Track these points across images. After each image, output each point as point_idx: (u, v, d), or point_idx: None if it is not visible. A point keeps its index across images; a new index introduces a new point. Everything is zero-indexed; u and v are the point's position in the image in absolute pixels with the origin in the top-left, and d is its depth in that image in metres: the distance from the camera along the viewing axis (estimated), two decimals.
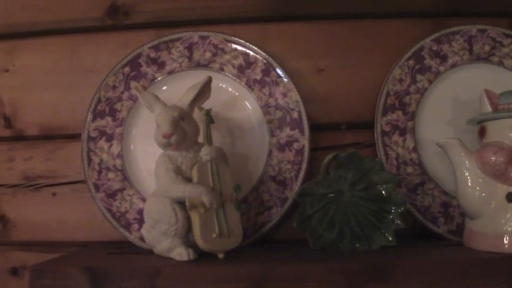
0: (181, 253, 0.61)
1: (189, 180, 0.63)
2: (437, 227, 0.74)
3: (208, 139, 0.67)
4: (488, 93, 0.67)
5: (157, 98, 0.68)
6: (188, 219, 0.62)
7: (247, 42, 0.78)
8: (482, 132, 0.66)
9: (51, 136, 0.83)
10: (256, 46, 0.78)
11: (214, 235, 0.61)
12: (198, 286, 0.56)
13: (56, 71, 0.84)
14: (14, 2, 0.84)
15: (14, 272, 0.82)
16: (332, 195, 0.68)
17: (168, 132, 0.63)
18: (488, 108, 0.66)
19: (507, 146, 0.62)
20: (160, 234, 0.63)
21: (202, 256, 0.62)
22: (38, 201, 0.83)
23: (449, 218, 0.74)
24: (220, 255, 0.62)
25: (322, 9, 0.82)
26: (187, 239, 0.62)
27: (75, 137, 0.81)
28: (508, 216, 0.61)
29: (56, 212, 0.82)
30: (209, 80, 0.68)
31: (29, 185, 0.83)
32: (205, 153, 0.64)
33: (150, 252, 0.67)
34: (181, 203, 0.62)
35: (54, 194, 0.83)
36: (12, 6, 0.84)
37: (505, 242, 0.61)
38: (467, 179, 0.64)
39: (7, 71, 0.85)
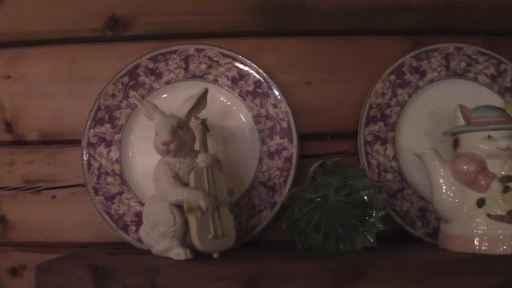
0: (179, 253, 0.65)
1: (186, 185, 0.67)
2: (415, 230, 0.79)
3: (205, 147, 0.71)
4: (462, 107, 0.71)
5: (156, 107, 0.71)
6: (185, 222, 0.66)
7: (241, 55, 0.82)
8: (455, 144, 0.71)
9: (51, 141, 0.86)
10: (249, 59, 0.82)
11: (210, 236, 0.65)
12: (195, 283, 0.60)
13: (57, 79, 0.87)
14: (17, 13, 0.86)
15: (13, 271, 0.85)
16: (319, 199, 0.72)
17: (167, 140, 0.66)
18: (462, 122, 0.70)
19: (478, 156, 0.67)
20: (159, 236, 0.66)
21: (199, 256, 0.65)
22: (37, 204, 0.85)
23: (426, 221, 0.79)
24: (215, 255, 0.65)
25: (312, 26, 0.86)
26: (184, 240, 0.66)
27: (74, 142, 0.84)
28: (478, 220, 0.66)
29: (55, 214, 0.85)
30: (205, 92, 0.72)
31: (29, 188, 0.86)
32: (201, 160, 0.68)
33: (147, 252, 0.70)
34: (179, 206, 0.66)
35: (53, 197, 0.85)
36: (15, 17, 0.87)
37: (475, 243, 0.65)
38: (442, 186, 0.68)
39: (9, 77, 0.87)
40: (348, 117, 0.85)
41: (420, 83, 0.84)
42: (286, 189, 0.79)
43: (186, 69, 0.83)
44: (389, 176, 0.81)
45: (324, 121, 0.85)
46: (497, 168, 0.67)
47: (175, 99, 0.77)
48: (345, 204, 0.72)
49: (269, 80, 0.82)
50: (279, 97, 0.82)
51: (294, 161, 0.80)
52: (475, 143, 0.68)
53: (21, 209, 0.86)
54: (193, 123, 0.73)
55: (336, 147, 0.85)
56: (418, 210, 0.79)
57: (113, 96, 0.82)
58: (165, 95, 0.83)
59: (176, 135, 0.68)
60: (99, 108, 0.82)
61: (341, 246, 0.72)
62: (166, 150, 0.67)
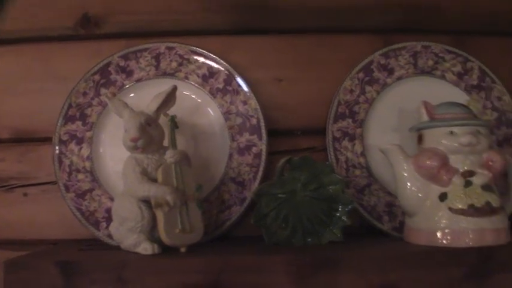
0: (146, 248, 0.66)
1: (154, 181, 0.68)
2: (382, 225, 0.80)
3: (173, 143, 0.72)
4: (425, 104, 0.73)
5: (125, 104, 0.72)
6: (153, 217, 0.66)
7: (212, 53, 0.83)
8: (419, 139, 0.73)
9: (23, 139, 0.86)
10: (220, 57, 0.83)
11: (177, 231, 0.66)
12: (161, 277, 0.61)
13: (29, 77, 0.86)
14: None
15: None
16: (286, 195, 0.73)
17: (135, 137, 0.67)
18: (425, 118, 0.72)
19: (440, 151, 0.68)
20: (127, 231, 0.67)
21: (166, 250, 0.66)
22: (9, 201, 0.85)
23: (393, 216, 0.80)
24: (183, 249, 0.66)
25: (283, 24, 0.87)
26: (152, 235, 0.67)
27: (46, 140, 0.84)
28: (440, 214, 0.67)
29: (27, 211, 0.85)
30: (174, 89, 0.73)
31: (1, 186, 0.85)
32: (169, 156, 0.69)
33: (117, 248, 0.70)
34: (147, 201, 0.67)
35: (25, 195, 0.85)
36: None
37: (438, 236, 0.67)
38: (406, 181, 0.70)
39: None
40: (318, 114, 0.86)
41: (388, 80, 0.85)
42: (256, 185, 0.79)
43: (157, 67, 0.84)
44: (357, 172, 0.82)
45: (293, 118, 0.86)
46: (459, 163, 0.68)
47: (146, 96, 0.77)
48: (312, 199, 0.74)
49: (239, 78, 0.83)
50: (248, 94, 0.82)
51: (263, 157, 0.81)
52: (438, 138, 0.69)
53: None
54: (163, 120, 0.73)
55: (306, 143, 0.86)
56: (385, 205, 0.81)
57: (84, 94, 0.83)
58: (135, 93, 0.83)
59: (144, 132, 0.69)
60: (70, 105, 0.82)
61: (308, 240, 0.73)
62: (134, 147, 0.68)
